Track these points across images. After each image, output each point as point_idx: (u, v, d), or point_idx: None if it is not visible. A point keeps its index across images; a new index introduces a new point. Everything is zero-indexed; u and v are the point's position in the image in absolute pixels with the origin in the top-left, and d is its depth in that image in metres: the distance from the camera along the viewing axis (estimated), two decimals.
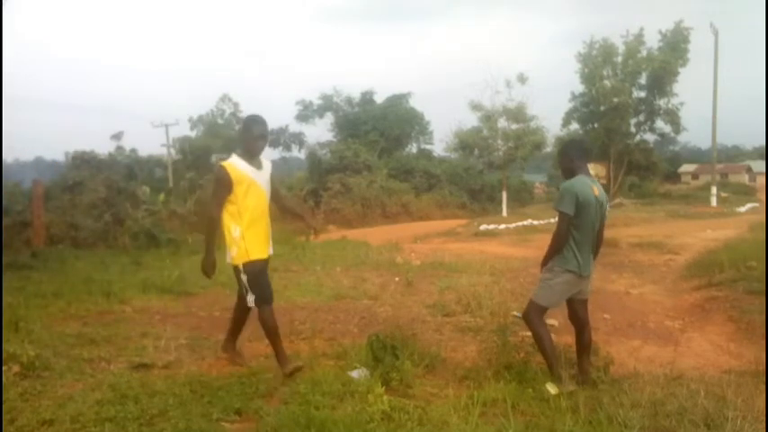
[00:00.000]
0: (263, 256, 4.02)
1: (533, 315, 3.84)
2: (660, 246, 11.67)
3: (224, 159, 4.06)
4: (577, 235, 3.75)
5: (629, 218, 20.35)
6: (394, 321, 5.45)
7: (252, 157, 3.99)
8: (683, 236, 13.67)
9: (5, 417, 3.14)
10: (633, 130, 35.43)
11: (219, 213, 3.92)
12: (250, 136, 3.99)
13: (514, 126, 25.40)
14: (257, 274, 3.94)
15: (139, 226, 12.84)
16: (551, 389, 3.55)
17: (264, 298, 3.98)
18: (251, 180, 3.94)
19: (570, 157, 3.91)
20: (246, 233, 3.90)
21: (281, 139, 44.04)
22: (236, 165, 3.93)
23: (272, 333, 3.99)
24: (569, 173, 3.89)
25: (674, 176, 56.44)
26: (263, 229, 4.03)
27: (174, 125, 41.14)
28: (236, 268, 3.96)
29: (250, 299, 3.94)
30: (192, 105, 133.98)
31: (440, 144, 42.99)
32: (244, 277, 3.92)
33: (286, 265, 9.76)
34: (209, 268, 4.01)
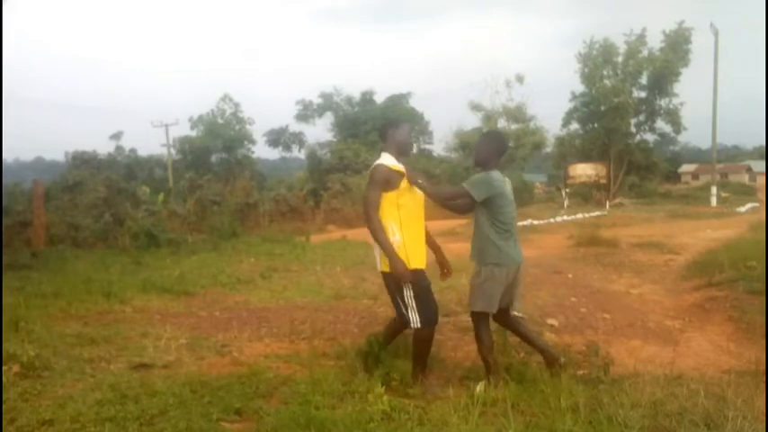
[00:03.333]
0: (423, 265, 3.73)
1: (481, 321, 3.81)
2: (660, 246, 11.64)
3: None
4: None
5: (629, 218, 20.31)
6: None
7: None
8: (682, 236, 13.64)
9: (5, 417, 3.14)
10: (633, 130, 35.46)
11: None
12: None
13: (514, 126, 25.45)
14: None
15: (139, 226, 12.87)
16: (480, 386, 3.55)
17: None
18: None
19: (495, 151, 3.92)
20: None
21: (281, 139, 44.03)
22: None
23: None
24: (483, 166, 3.88)
25: (674, 176, 56.48)
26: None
27: (174, 125, 41.22)
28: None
29: (414, 318, 3.63)
30: (192, 105, 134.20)
31: (440, 144, 43.13)
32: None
33: (286, 265, 9.79)
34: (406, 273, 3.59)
